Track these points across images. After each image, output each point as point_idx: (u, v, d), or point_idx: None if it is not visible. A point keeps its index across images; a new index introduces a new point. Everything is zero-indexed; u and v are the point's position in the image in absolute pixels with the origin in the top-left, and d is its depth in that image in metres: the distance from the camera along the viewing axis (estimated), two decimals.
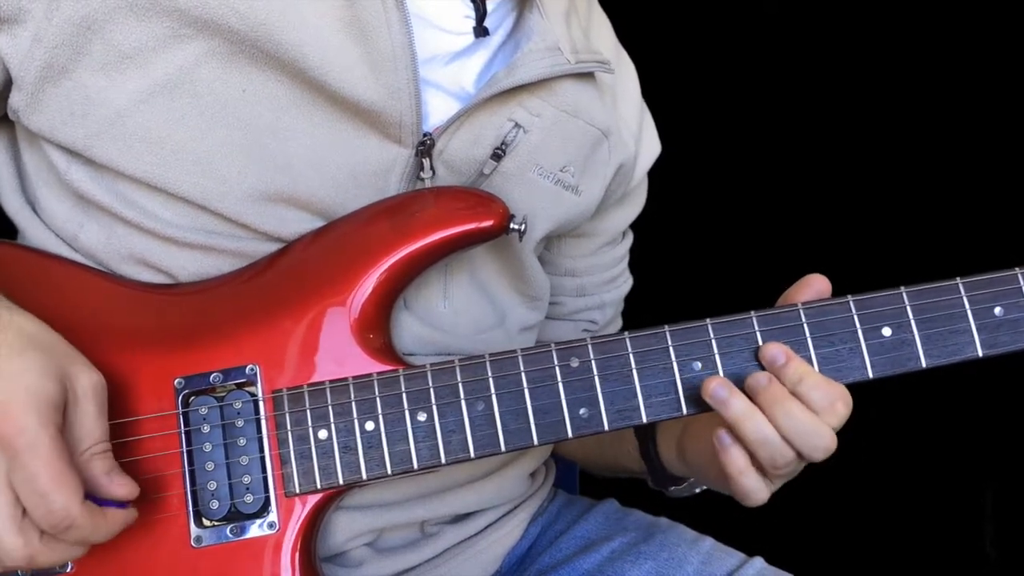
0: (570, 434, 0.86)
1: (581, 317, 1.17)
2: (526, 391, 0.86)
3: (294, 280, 0.89)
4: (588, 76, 1.01)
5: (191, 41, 0.86)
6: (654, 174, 1.17)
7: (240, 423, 0.87)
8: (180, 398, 0.87)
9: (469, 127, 0.94)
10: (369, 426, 0.86)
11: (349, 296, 0.89)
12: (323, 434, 0.86)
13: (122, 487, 0.79)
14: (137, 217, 0.89)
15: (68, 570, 0.84)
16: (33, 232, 0.94)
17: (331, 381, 0.87)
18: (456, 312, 0.99)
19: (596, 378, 0.87)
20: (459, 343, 0.98)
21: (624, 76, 1.13)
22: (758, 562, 1.06)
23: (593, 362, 0.87)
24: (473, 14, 0.96)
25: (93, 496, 0.78)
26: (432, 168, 0.94)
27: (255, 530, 0.86)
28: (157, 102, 0.87)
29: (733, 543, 1.10)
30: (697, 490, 1.08)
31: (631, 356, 0.87)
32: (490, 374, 0.87)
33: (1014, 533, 2.03)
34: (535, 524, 1.12)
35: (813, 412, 0.83)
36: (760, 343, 0.86)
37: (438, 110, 0.94)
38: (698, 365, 0.86)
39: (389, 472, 0.86)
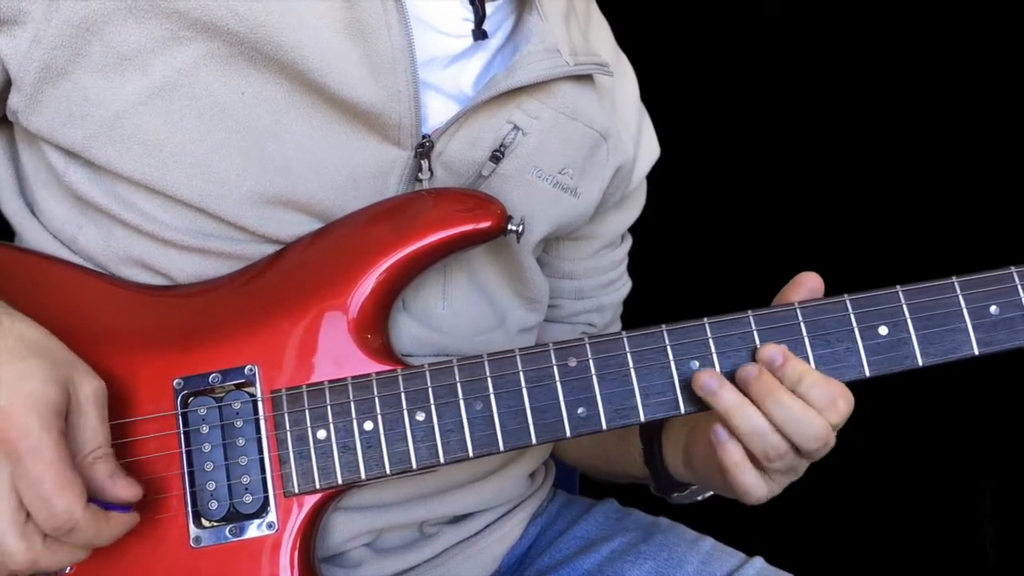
0: (568, 434, 0.86)
1: (579, 320, 1.17)
2: (524, 391, 0.87)
3: (293, 281, 0.90)
4: (587, 78, 1.01)
5: (190, 43, 0.86)
6: (652, 176, 1.17)
7: (239, 423, 0.87)
8: (179, 399, 0.87)
9: (468, 129, 0.94)
10: (368, 426, 0.86)
11: (348, 297, 0.89)
12: (322, 434, 0.86)
13: (126, 489, 0.79)
14: (135, 219, 0.89)
15: (67, 571, 0.84)
16: (31, 234, 0.94)
17: (330, 381, 0.87)
18: (455, 313, 0.99)
19: (594, 377, 0.87)
20: (457, 344, 0.98)
21: (623, 79, 1.13)
22: (758, 562, 1.06)
23: (591, 362, 0.87)
24: (472, 17, 0.97)
25: (97, 500, 0.78)
26: (430, 169, 0.94)
27: (254, 530, 0.86)
28: (156, 104, 0.87)
29: (733, 543, 1.10)
30: (699, 498, 1.07)
31: (629, 356, 0.87)
32: (488, 374, 0.87)
33: (1014, 533, 2.03)
34: (534, 524, 1.13)
35: (812, 408, 0.83)
36: (757, 342, 0.87)
37: (437, 112, 0.95)
38: (695, 364, 0.87)
39: (388, 472, 0.86)
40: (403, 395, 0.87)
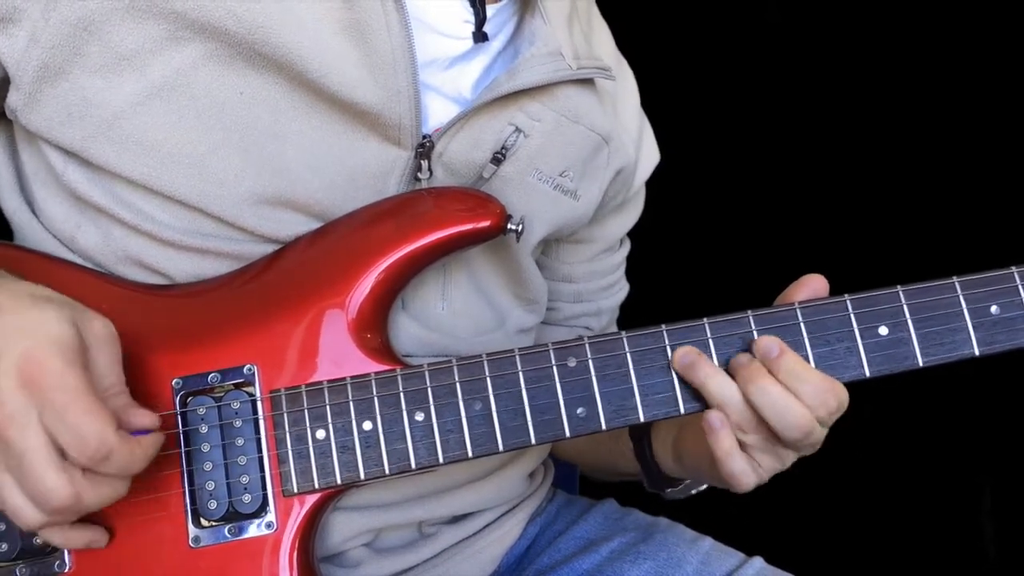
0: (568, 433, 0.86)
1: (577, 323, 1.17)
2: (523, 391, 0.87)
3: (292, 280, 0.89)
4: (589, 82, 1.01)
5: (188, 43, 0.86)
6: (652, 180, 1.17)
7: (238, 423, 0.87)
8: (178, 398, 0.87)
9: (469, 130, 0.94)
10: (367, 426, 0.86)
11: (347, 296, 0.89)
12: (321, 434, 0.86)
13: (145, 416, 0.80)
14: (134, 219, 0.89)
15: (67, 569, 0.84)
16: (30, 233, 0.94)
17: (329, 381, 0.87)
18: (454, 314, 0.99)
19: (593, 377, 0.87)
20: (457, 345, 0.98)
21: (624, 84, 1.13)
22: (757, 562, 1.06)
23: (590, 361, 0.87)
24: (473, 19, 0.96)
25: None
26: (430, 170, 0.94)
27: (253, 530, 0.86)
28: (154, 104, 0.87)
29: (732, 543, 1.10)
30: (693, 491, 1.08)
31: (628, 355, 0.87)
32: (487, 374, 0.87)
33: (1013, 531, 2.03)
34: (534, 524, 1.13)
35: (794, 397, 0.83)
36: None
37: (437, 113, 0.94)
38: None
39: (387, 472, 0.86)
40: (402, 395, 0.87)
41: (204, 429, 0.86)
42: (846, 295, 0.88)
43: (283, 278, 0.90)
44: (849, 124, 2.10)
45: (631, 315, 1.24)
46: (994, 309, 0.87)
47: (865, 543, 2.07)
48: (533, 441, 0.86)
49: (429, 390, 0.87)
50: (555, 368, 0.87)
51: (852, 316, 0.87)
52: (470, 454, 0.86)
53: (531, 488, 1.12)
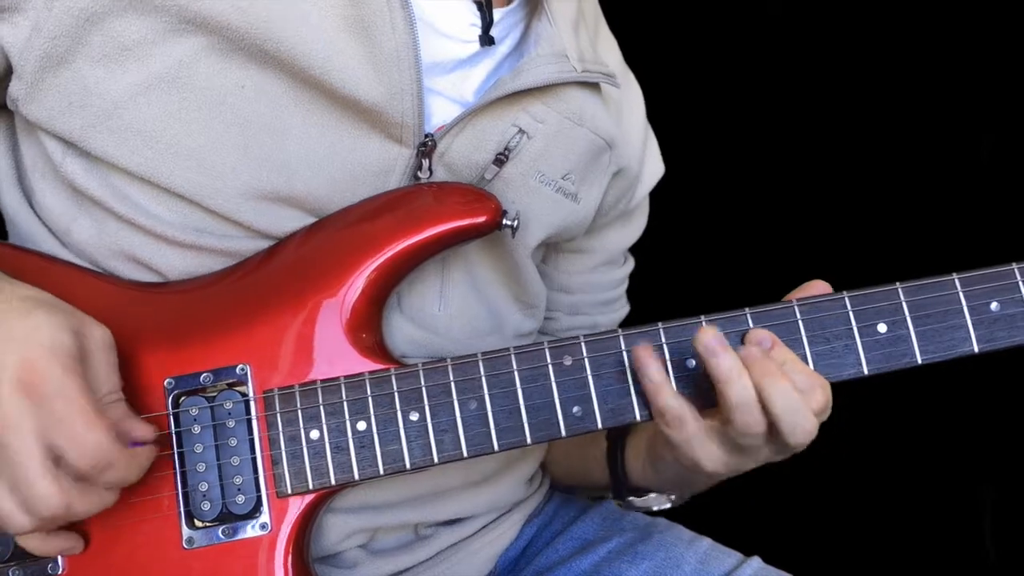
0: (564, 432, 0.86)
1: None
2: (519, 390, 0.86)
3: (285, 278, 0.89)
4: (594, 86, 1.01)
5: (190, 36, 0.86)
6: (655, 188, 1.16)
7: (231, 423, 0.86)
8: (170, 398, 0.86)
9: (472, 130, 0.93)
10: (361, 426, 0.86)
11: (340, 294, 0.88)
12: (315, 434, 0.86)
13: (141, 428, 0.81)
14: (129, 212, 0.89)
15: (60, 572, 0.83)
16: (26, 225, 0.94)
17: (322, 381, 0.86)
18: (452, 316, 0.99)
19: (589, 376, 0.86)
20: (453, 347, 0.97)
21: (630, 95, 1.12)
22: (755, 562, 1.06)
23: (586, 360, 0.86)
24: (479, 22, 0.96)
25: None
26: (431, 169, 0.93)
27: (247, 531, 0.85)
28: (154, 95, 0.87)
29: (730, 543, 1.10)
30: (655, 508, 1.03)
31: (624, 354, 0.86)
32: (483, 373, 0.86)
33: (1014, 531, 2.03)
34: (531, 524, 1.12)
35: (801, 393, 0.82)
36: None
37: (439, 113, 0.94)
38: (692, 363, 0.86)
39: (381, 472, 0.85)
40: (396, 395, 0.86)
41: (197, 430, 0.86)
42: (844, 292, 0.87)
43: (276, 275, 0.89)
44: (849, 124, 2.09)
45: (632, 318, 1.23)
46: (994, 306, 0.86)
47: (864, 543, 2.06)
48: (529, 441, 0.86)
49: (424, 390, 0.86)
50: (551, 367, 0.86)
51: (851, 314, 0.86)
52: (465, 454, 0.86)
53: (529, 491, 1.12)
